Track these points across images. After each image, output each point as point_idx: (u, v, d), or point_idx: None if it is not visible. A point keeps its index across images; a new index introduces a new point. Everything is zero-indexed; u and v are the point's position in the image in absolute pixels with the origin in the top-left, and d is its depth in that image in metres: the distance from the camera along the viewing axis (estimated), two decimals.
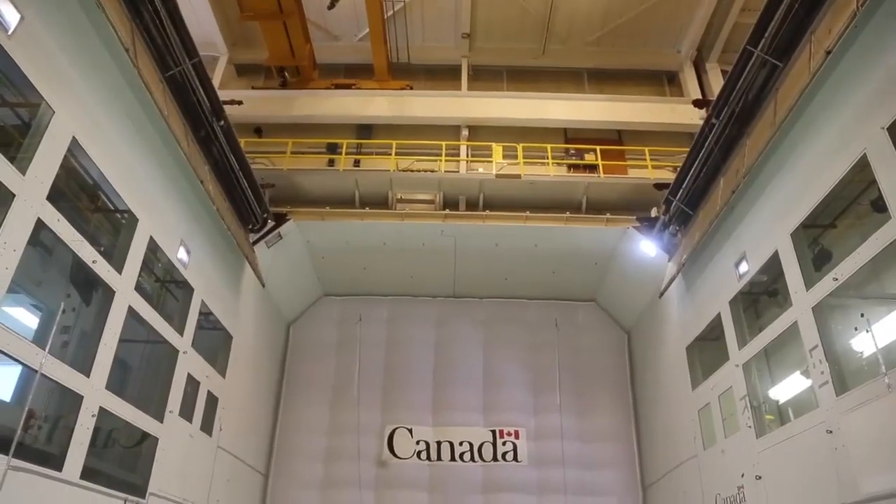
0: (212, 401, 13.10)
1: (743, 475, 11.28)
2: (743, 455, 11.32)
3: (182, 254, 11.66)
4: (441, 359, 17.75)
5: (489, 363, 17.71)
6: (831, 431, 8.77)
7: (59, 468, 8.37)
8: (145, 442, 10.83)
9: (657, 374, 16.01)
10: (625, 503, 16.32)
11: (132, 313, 10.10)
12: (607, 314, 18.52)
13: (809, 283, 9.49)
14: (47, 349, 7.92)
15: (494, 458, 16.62)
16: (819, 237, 10.01)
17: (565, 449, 16.40)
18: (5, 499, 7.17)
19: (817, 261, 9.67)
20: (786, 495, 9.97)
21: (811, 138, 9.55)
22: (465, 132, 18.40)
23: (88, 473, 9.02)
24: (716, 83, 18.83)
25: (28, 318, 9.05)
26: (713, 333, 13.13)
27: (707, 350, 13.55)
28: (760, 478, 10.70)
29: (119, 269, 9.67)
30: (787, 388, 10.80)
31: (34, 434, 8.43)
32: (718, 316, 12.48)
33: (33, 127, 7.92)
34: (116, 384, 10.05)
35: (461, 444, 16.78)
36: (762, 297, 11.97)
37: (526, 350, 17.85)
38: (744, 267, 11.56)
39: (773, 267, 10.73)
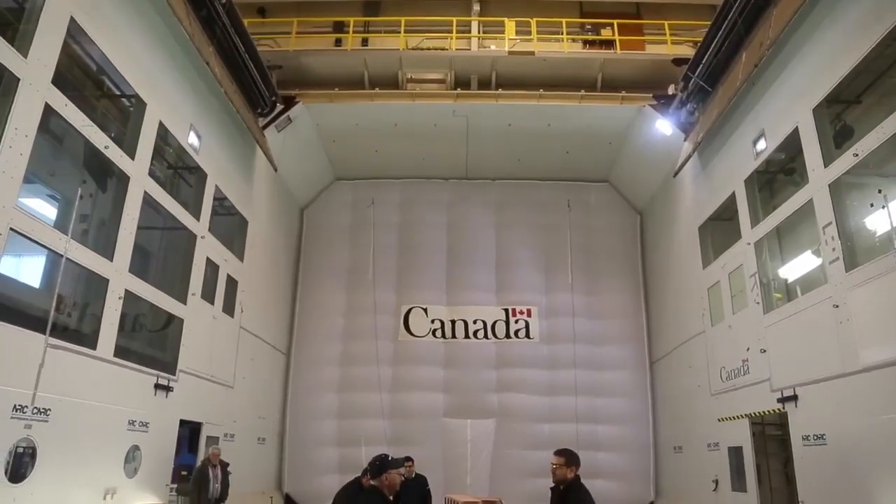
0: (232, 284, 13.50)
1: (748, 349, 11.68)
2: (749, 330, 11.66)
3: (193, 138, 11.60)
4: (454, 240, 17.96)
5: (502, 244, 17.92)
6: (837, 306, 8.99)
7: (94, 347, 8.83)
8: (172, 324, 11.31)
9: (668, 254, 16.19)
10: (633, 377, 17.01)
11: (148, 199, 10.23)
12: (620, 195, 18.47)
13: (828, 160, 9.37)
14: (69, 234, 8.12)
15: (507, 336, 17.23)
16: (842, 113, 9.75)
17: (576, 326, 16.93)
18: (49, 373, 7.65)
19: (838, 137, 9.48)
20: (788, 367, 10.36)
21: (842, 8, 9.07)
22: (476, 7, 17.53)
23: (121, 352, 9.52)
24: None
25: (47, 209, 9.19)
26: (726, 213, 13.15)
27: (719, 230, 13.64)
28: (765, 351, 11.07)
29: (131, 154, 9.69)
30: (797, 266, 10.94)
31: (67, 317, 8.82)
32: (733, 195, 12.43)
33: (29, 7, 7.69)
34: (140, 269, 10.38)
35: (475, 322, 17.34)
36: (778, 175, 11.87)
37: (538, 231, 17.99)
38: (762, 144, 11.36)
39: (791, 144, 10.55)
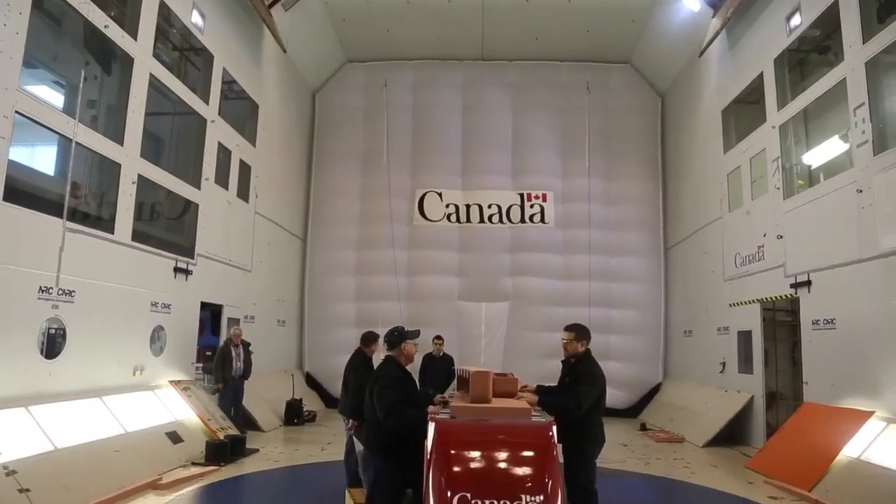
0: (245, 169, 13.44)
1: (765, 235, 11.59)
2: (768, 216, 11.52)
3: (196, 17, 11.15)
4: (469, 123, 17.54)
5: (518, 127, 17.48)
6: (861, 191, 8.80)
7: (111, 231, 8.96)
8: (188, 211, 11.38)
9: (689, 138, 15.76)
10: (647, 262, 17.08)
11: (155, 83, 10.00)
12: (641, 76, 17.73)
13: (868, 35, 8.82)
14: (77, 118, 8.00)
15: (522, 220, 17.18)
16: None
17: (592, 211, 16.80)
18: (70, 257, 7.82)
19: (882, 11, 8.86)
20: (804, 253, 10.31)
21: None
22: None
23: (139, 237, 9.67)
24: None
25: (53, 95, 8.99)
26: (752, 96, 12.67)
27: (743, 113, 13.19)
28: (782, 237, 10.99)
29: (133, 34, 9.38)
30: (821, 152, 10.60)
31: (83, 202, 8.88)
32: (760, 76, 11.90)
33: None
34: (152, 156, 10.34)
35: (490, 206, 17.25)
36: (810, 54, 11.25)
37: (556, 114, 17.47)
38: (796, 20, 10.71)
39: (828, 19, 9.92)
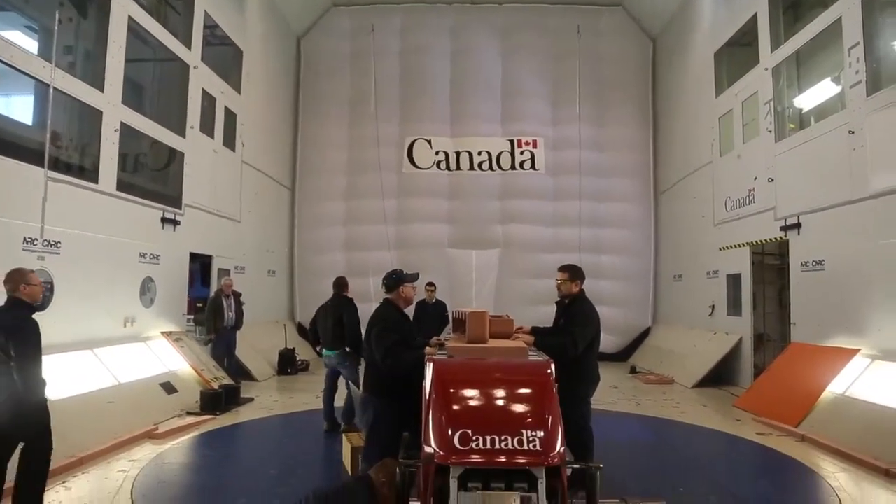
0: (230, 117, 13.17)
1: (756, 178, 11.59)
2: (759, 159, 11.48)
3: None
4: (458, 69, 17.19)
5: (508, 73, 17.16)
6: (853, 132, 8.76)
7: (95, 181, 8.78)
8: (173, 161, 11.17)
9: (681, 82, 15.56)
10: (637, 209, 17.07)
11: (134, 27, 9.66)
12: (633, 20, 17.37)
13: None
14: (53, 62, 7.74)
15: (512, 167, 17.03)
16: None
17: (582, 157, 16.66)
18: (53, 207, 7.69)
19: None
20: (795, 196, 10.32)
21: None
22: None
23: (125, 187, 9.50)
24: None
25: (27, 42, 8.64)
26: (745, 38, 12.48)
27: (736, 56, 13.01)
28: (773, 180, 10.98)
29: None
30: (814, 95, 10.51)
31: (65, 151, 8.66)
32: (754, 17, 11.70)
33: None
34: (134, 103, 10.07)
35: (480, 153, 17.06)
36: None
37: (546, 59, 17.14)
38: None
39: None
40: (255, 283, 14.10)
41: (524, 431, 3.43)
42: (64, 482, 5.93)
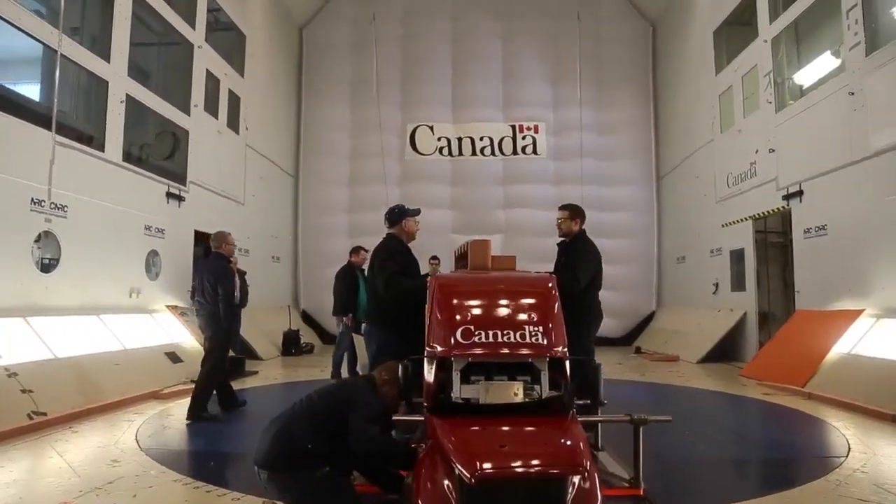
0: (234, 99, 13.27)
1: (757, 151, 11.61)
2: (759, 131, 11.51)
3: None
4: (459, 54, 17.24)
5: (508, 57, 17.21)
6: (853, 93, 8.80)
7: (102, 150, 8.86)
8: (179, 140, 11.25)
9: (680, 63, 15.61)
10: (639, 192, 17.08)
11: (139, 3, 9.76)
12: (631, 3, 17.45)
13: None
14: (60, 28, 7.83)
15: (514, 152, 17.07)
16: None
17: (584, 141, 16.67)
18: (61, 172, 7.77)
19: None
20: (796, 164, 10.33)
21: None
22: None
23: (132, 159, 9.57)
24: None
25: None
26: (743, 16, 12.55)
27: (734, 35, 13.06)
28: (774, 151, 11.01)
29: None
30: (812, 69, 10.50)
31: (72, 117, 8.75)
32: None
33: None
34: (139, 78, 10.15)
35: (482, 139, 17.11)
36: None
37: (546, 43, 17.18)
38: None
39: None
40: (260, 267, 14.10)
41: (527, 327, 3.45)
42: (70, 426, 5.97)
